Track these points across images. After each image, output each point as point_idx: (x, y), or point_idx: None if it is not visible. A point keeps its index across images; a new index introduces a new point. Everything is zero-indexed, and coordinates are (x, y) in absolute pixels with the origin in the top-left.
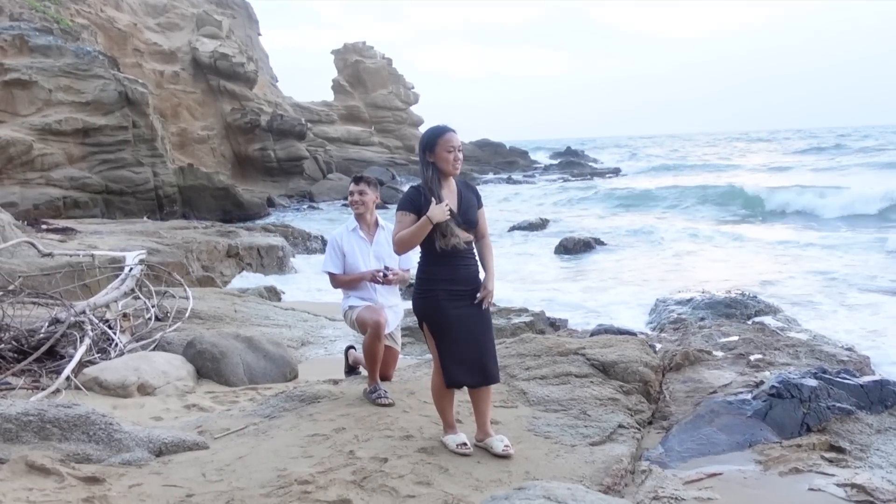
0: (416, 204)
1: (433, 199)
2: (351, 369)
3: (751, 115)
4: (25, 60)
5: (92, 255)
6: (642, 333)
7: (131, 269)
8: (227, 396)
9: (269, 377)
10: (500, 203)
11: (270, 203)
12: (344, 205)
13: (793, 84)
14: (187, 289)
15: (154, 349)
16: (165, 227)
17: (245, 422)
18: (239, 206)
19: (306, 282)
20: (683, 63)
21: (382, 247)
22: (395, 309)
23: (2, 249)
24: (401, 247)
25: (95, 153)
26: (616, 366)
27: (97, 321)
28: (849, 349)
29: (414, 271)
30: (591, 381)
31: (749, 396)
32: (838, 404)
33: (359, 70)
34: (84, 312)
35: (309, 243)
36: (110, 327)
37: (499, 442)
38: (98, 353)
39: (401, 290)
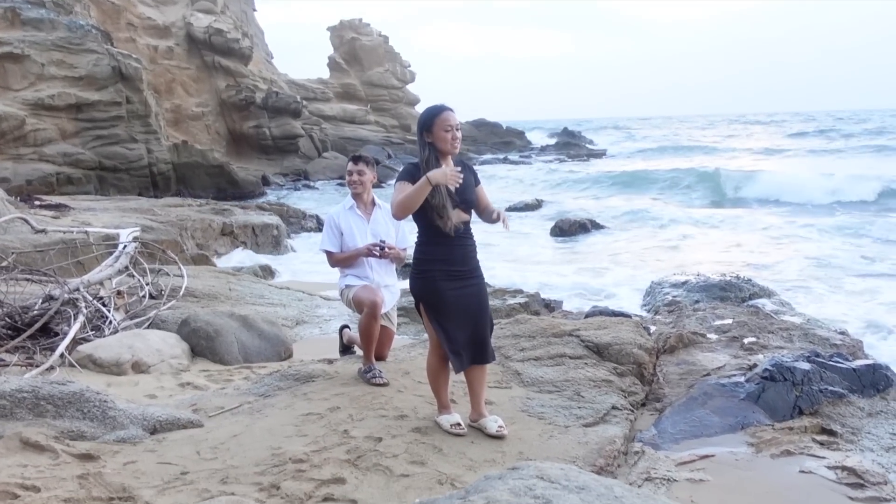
0: (415, 177)
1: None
2: (346, 349)
3: (749, 98)
4: (17, 34)
5: (86, 232)
6: (637, 316)
7: (125, 246)
8: (221, 375)
9: (264, 356)
10: (495, 182)
11: (265, 181)
12: (340, 184)
13: (792, 67)
14: (182, 266)
15: (148, 327)
16: (160, 205)
17: (239, 400)
18: (234, 184)
19: (300, 261)
20: (683, 45)
21: (379, 225)
22: (391, 289)
23: None
24: (399, 209)
25: (89, 129)
26: (610, 347)
27: (91, 298)
28: (842, 333)
29: (411, 251)
30: (586, 363)
31: (742, 379)
32: (830, 388)
33: (355, 47)
34: (78, 289)
35: (304, 222)
36: (104, 305)
37: (493, 422)
38: (92, 330)
39: (398, 270)
